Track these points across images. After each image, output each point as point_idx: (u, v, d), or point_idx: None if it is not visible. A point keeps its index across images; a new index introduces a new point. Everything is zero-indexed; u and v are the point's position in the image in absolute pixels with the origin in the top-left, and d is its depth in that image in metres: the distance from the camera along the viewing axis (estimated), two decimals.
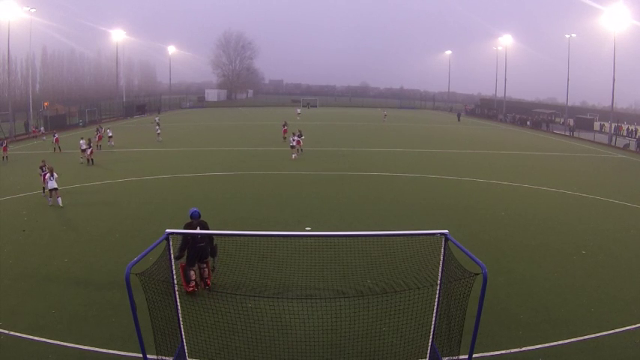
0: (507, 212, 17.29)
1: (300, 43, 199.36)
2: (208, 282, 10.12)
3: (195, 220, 10.03)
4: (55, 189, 16.90)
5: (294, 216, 16.19)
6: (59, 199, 16.92)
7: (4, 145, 29.23)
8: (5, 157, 28.13)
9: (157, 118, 48.17)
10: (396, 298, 8.09)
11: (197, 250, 9.80)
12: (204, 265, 10.12)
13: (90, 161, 26.23)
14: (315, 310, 8.40)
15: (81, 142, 27.27)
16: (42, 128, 42.57)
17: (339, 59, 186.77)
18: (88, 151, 26.51)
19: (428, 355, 7.46)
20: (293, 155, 28.12)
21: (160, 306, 6.69)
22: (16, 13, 43.62)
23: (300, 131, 31.25)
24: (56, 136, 32.74)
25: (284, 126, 38.05)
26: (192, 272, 9.93)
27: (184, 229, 9.75)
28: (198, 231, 9.73)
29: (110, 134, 35.41)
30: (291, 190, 20.27)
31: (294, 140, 28.68)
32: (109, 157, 29.47)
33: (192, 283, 9.88)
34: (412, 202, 18.64)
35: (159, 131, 37.58)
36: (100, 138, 33.54)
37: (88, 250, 12.63)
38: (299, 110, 69.68)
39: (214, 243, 10.27)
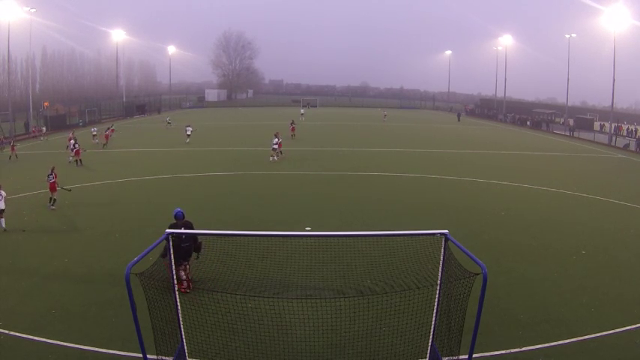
0: (507, 212, 17.29)
1: (300, 43, 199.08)
2: (188, 285, 10.08)
3: (180, 221, 10.01)
4: (2, 210, 14.16)
5: (294, 216, 16.19)
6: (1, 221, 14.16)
7: (12, 144, 30.05)
8: (15, 156, 28.71)
9: (167, 118, 48.19)
10: (396, 298, 8.09)
11: (182, 250, 9.72)
12: (186, 263, 10.12)
13: (78, 162, 26.00)
14: (315, 310, 8.40)
15: (71, 142, 27.54)
16: (44, 128, 42.69)
17: (339, 59, 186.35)
18: (73, 151, 26.24)
19: (428, 355, 7.46)
20: (271, 158, 27.45)
21: (160, 306, 6.69)
22: (16, 13, 43.62)
23: (277, 133, 30.61)
24: (72, 134, 32.81)
25: (292, 124, 39.56)
26: (182, 273, 9.89)
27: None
28: (199, 231, 9.73)
29: (94, 132, 35.85)
30: (291, 190, 20.28)
31: (276, 143, 27.74)
32: (110, 157, 29.48)
33: (184, 284, 9.87)
34: (412, 202, 18.64)
35: (189, 132, 36.11)
36: (107, 137, 34.14)
37: (88, 250, 12.63)
38: (302, 110, 69.32)
39: (199, 241, 10.27)
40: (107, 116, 61.60)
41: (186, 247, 9.83)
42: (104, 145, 33.49)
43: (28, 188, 19.79)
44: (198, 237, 10.26)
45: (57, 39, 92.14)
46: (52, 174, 17.19)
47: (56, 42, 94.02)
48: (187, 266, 10.13)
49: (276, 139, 27.90)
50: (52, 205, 16.93)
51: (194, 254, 10.39)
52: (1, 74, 72.90)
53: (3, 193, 14.36)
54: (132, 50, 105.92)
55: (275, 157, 27.59)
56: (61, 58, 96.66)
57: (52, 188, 17.06)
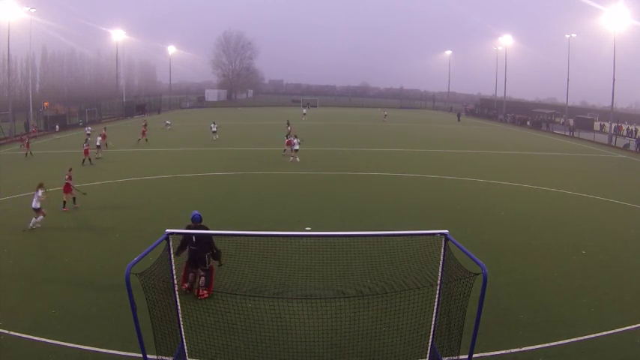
0: (507, 212, 17.29)
1: (300, 43, 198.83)
2: (198, 292, 9.84)
3: (193, 224, 10.02)
4: (37, 209, 14.37)
5: (294, 216, 16.19)
6: (32, 221, 14.34)
7: (27, 141, 30.31)
8: (30, 153, 29.04)
9: (167, 121, 48.65)
10: (396, 298, 8.09)
11: (190, 253, 9.74)
12: (202, 272, 9.94)
13: (86, 161, 25.94)
14: (315, 310, 8.40)
15: (97, 138, 29.00)
16: (57, 127, 43.66)
17: (339, 59, 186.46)
18: (83, 149, 26.26)
19: (428, 355, 7.46)
20: (291, 158, 27.58)
21: (160, 306, 6.69)
22: (16, 13, 43.62)
23: (291, 133, 31.74)
24: (103, 132, 33.01)
25: (288, 125, 39.68)
26: (190, 274, 9.91)
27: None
28: (196, 231, 9.71)
29: (88, 132, 36.25)
30: (291, 190, 20.28)
31: (297, 143, 27.79)
32: (110, 157, 29.42)
33: (187, 285, 9.88)
34: (412, 202, 18.64)
35: (214, 129, 37.88)
36: (143, 133, 35.62)
37: (88, 250, 12.64)
38: (305, 110, 69.32)
39: (215, 249, 10.14)
40: (107, 116, 61.60)
41: (193, 251, 9.76)
42: (140, 140, 34.88)
43: (29, 188, 19.75)
44: (215, 245, 10.18)
45: (57, 39, 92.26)
46: (67, 174, 16.91)
47: (56, 42, 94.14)
48: (203, 276, 9.89)
49: (296, 140, 27.80)
50: (64, 206, 16.65)
51: (216, 263, 10.29)
52: (1, 74, 72.91)
53: (40, 192, 14.41)
54: (132, 50, 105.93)
55: (292, 159, 27.53)
56: (61, 58, 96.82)
57: (67, 190, 16.68)
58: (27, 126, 44.00)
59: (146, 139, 35.35)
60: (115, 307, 9.22)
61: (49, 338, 8.14)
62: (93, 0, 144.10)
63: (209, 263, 9.97)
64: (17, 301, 9.62)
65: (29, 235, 13.86)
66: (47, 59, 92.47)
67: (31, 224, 14.35)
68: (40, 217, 14.48)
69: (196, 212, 10.22)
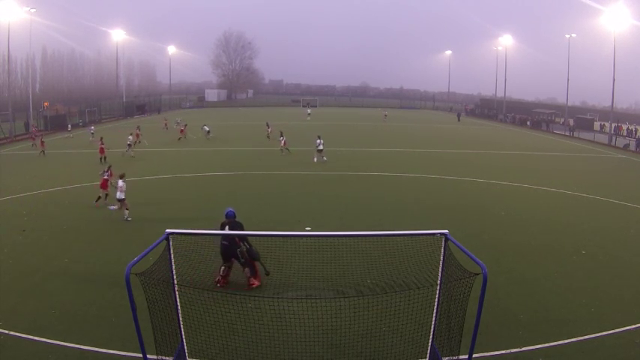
0: (507, 212, 17.29)
1: (300, 43, 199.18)
2: (248, 282, 10.18)
3: (226, 220, 10.35)
4: (122, 200, 15.27)
5: (294, 216, 16.19)
6: (126, 212, 15.35)
7: (41, 139, 30.55)
8: (43, 152, 29.20)
9: (178, 119, 48.78)
10: (396, 298, 8.09)
11: (222, 248, 10.13)
12: (228, 264, 10.30)
13: (102, 159, 25.83)
14: (315, 310, 8.39)
15: (129, 137, 29.92)
16: (69, 126, 44.12)
17: (339, 59, 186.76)
18: (98, 148, 26.52)
19: (428, 355, 7.46)
20: (315, 159, 27.40)
21: (160, 306, 6.68)
22: (16, 13, 43.65)
23: (281, 132, 32.36)
24: (137, 131, 33.41)
25: (267, 126, 40.54)
26: (222, 268, 10.19)
27: (220, 227, 10.29)
28: (199, 231, 9.71)
29: (92, 131, 36.58)
30: (292, 190, 20.28)
31: (320, 143, 27.51)
32: (110, 157, 29.37)
33: (218, 278, 10.12)
34: (412, 202, 18.64)
35: (208, 129, 39.29)
36: (182, 132, 37.45)
37: (88, 250, 12.63)
38: (309, 111, 69.40)
39: (247, 246, 10.27)
40: (107, 116, 61.65)
41: (224, 245, 10.12)
42: (181, 139, 36.46)
43: (29, 188, 19.79)
44: (248, 241, 10.30)
45: (57, 39, 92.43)
46: (107, 171, 17.26)
47: (56, 42, 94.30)
48: (228, 269, 10.20)
49: (319, 140, 27.53)
50: (97, 200, 16.92)
51: (261, 269, 10.41)
52: (1, 74, 72.95)
53: (121, 183, 15.09)
54: (132, 50, 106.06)
55: (317, 158, 27.35)
56: (61, 58, 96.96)
57: (103, 186, 17.06)
58: (27, 126, 44.00)
59: (185, 137, 36.94)
60: (115, 307, 9.22)
61: (48, 338, 8.14)
62: (93, 0, 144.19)
63: (243, 258, 10.20)
64: (17, 300, 9.61)
65: (29, 235, 13.85)
66: (47, 59, 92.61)
67: (126, 216, 15.20)
68: (118, 206, 15.31)
69: (230, 209, 10.51)
